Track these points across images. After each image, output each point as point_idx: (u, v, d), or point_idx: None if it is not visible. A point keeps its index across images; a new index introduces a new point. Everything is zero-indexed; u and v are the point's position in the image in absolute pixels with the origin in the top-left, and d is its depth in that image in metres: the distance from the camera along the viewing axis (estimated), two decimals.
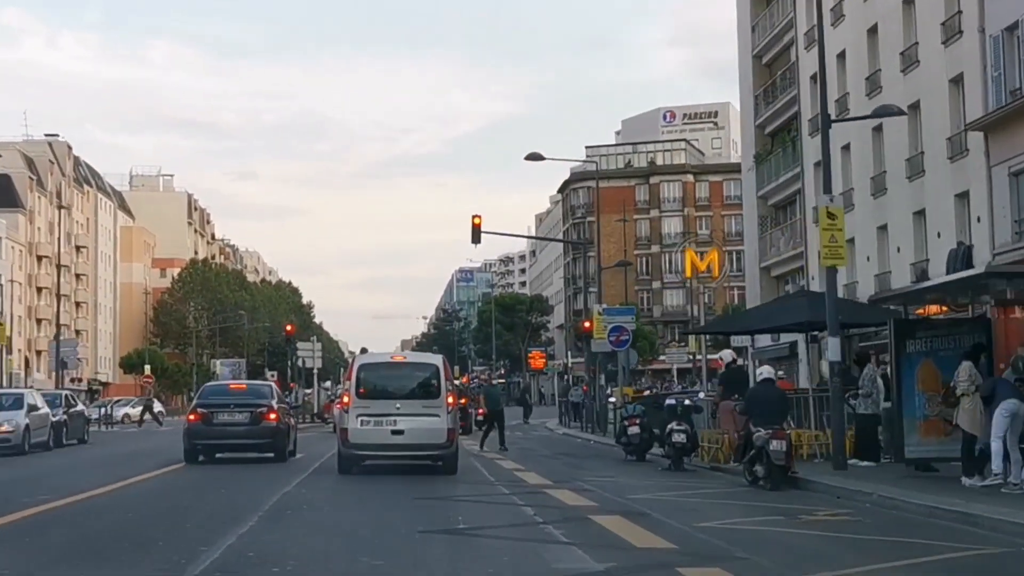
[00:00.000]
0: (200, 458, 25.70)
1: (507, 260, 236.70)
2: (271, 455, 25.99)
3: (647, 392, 55.86)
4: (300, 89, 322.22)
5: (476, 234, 48.88)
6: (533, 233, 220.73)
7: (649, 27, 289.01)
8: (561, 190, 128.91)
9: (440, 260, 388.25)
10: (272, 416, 25.98)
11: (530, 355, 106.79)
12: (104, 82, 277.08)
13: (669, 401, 25.63)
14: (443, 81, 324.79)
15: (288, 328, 50.31)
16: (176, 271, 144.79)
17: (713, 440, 24.24)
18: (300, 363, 56.27)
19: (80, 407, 38.60)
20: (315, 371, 60.96)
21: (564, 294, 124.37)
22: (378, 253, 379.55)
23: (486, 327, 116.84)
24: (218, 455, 26.09)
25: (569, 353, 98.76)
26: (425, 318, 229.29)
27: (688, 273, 32.29)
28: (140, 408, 68.04)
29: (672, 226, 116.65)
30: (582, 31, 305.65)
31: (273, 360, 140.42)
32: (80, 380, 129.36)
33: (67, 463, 27.76)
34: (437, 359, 23.60)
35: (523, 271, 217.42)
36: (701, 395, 37.48)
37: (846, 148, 44.80)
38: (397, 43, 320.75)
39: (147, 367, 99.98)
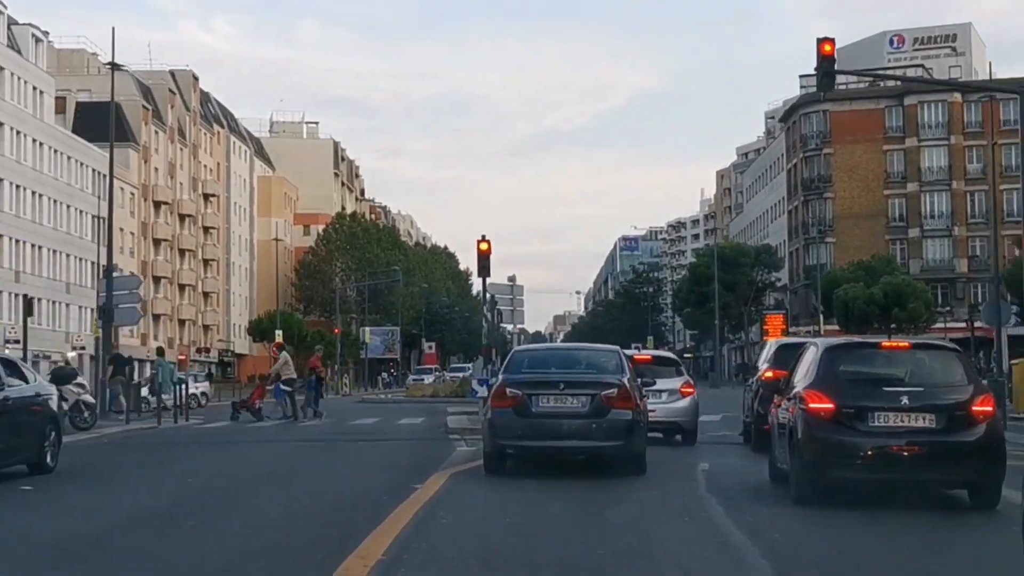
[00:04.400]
0: (508, 464, 16.23)
1: (678, 226, 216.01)
2: (619, 461, 15.91)
3: None
4: (447, 66, 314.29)
5: (826, 73, 27.55)
6: (710, 196, 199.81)
7: None
8: (784, 118, 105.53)
9: (588, 235, 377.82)
10: (626, 403, 15.67)
11: (766, 318, 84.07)
12: (255, 61, 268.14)
13: None
14: (589, 56, 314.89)
15: (482, 245, 28.40)
16: (320, 228, 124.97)
17: None
18: (495, 316, 34.28)
19: (28, 385, 16.92)
20: (514, 334, 39.19)
21: (786, 248, 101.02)
22: (526, 228, 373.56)
23: (700, 286, 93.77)
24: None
25: (821, 316, 76.20)
26: (579, 293, 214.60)
27: None
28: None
29: (934, 159, 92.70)
30: (727, 3, 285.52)
31: (431, 330, 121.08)
32: (208, 351, 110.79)
33: None
34: None
35: (696, 237, 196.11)
36: None
37: None
38: (542, 18, 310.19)
39: (279, 333, 79.69)
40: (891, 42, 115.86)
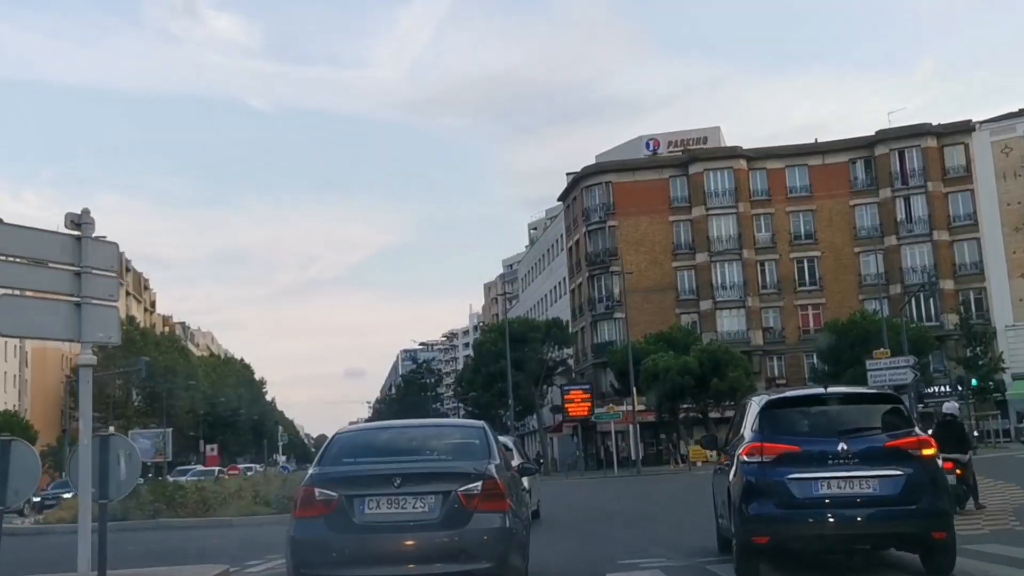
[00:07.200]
0: None
1: (451, 336, 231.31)
2: None
3: None
4: (228, 226, 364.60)
5: None
6: (479, 310, 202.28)
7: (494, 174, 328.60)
8: (563, 196, 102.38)
9: (379, 358, 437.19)
10: (496, 503, 11.02)
11: (568, 396, 78.63)
12: (57, 227, 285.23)
13: None
14: (343, 216, 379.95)
15: None
16: None
17: None
18: None
19: None
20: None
21: (570, 328, 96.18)
22: (328, 355, 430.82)
23: (486, 366, 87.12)
24: None
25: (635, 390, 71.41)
26: (368, 402, 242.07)
27: None
28: None
29: (723, 227, 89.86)
30: (454, 170, 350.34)
31: (213, 432, 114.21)
32: None
33: None
34: None
35: (467, 345, 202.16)
36: None
37: None
38: (308, 186, 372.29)
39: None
40: (647, 145, 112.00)
